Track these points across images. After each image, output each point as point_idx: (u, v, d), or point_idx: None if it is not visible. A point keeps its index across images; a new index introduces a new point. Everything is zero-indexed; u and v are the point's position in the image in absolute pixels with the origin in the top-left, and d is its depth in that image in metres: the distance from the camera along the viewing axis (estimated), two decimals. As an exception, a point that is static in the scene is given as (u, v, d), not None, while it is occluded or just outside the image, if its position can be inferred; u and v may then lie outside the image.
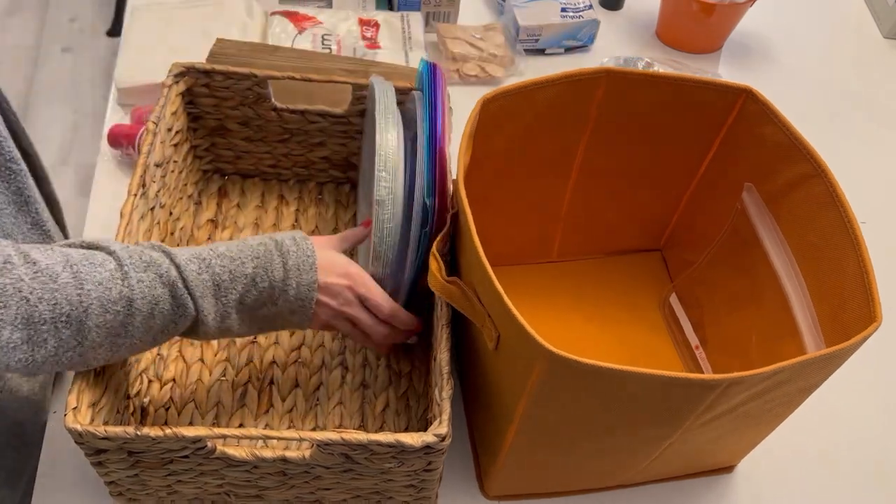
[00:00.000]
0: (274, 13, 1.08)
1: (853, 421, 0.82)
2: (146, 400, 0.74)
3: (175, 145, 0.81)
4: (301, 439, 0.56)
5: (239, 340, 0.79)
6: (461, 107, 0.91)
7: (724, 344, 0.79)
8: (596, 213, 0.84)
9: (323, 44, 1.04)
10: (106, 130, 0.93)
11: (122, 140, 0.90)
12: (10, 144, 0.65)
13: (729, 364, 0.77)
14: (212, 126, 0.87)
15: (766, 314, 0.71)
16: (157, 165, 0.75)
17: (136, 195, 0.69)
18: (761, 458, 0.76)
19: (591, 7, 1.15)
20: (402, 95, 0.78)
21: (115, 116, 0.97)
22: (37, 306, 0.51)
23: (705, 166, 0.79)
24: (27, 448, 0.74)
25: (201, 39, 0.94)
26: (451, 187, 0.68)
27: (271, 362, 0.78)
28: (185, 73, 0.81)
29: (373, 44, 1.06)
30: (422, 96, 0.71)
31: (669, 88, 0.71)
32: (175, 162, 0.81)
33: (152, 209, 0.74)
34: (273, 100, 0.84)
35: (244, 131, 0.87)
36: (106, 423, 0.60)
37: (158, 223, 0.76)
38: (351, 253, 0.87)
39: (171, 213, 0.80)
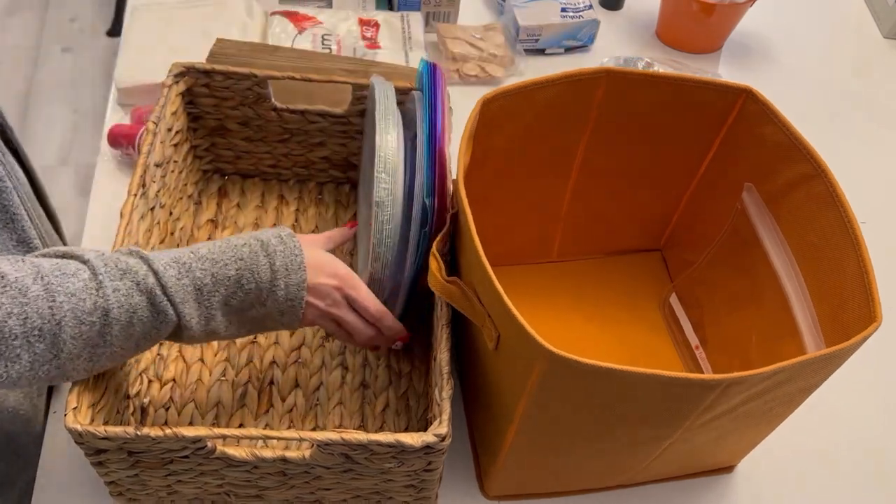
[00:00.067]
0: (274, 13, 1.08)
1: (853, 421, 0.82)
2: (146, 400, 0.74)
3: (175, 145, 0.81)
4: (301, 439, 0.56)
5: (239, 340, 0.79)
6: (461, 107, 0.91)
7: (724, 344, 0.79)
8: (596, 213, 0.84)
9: (323, 44, 1.04)
10: (106, 130, 0.93)
11: (122, 140, 0.90)
12: None
13: (729, 364, 0.77)
14: (212, 126, 0.87)
15: (766, 314, 0.71)
16: (157, 165, 0.75)
17: (136, 195, 0.69)
18: (761, 458, 0.76)
19: (591, 7, 1.15)
20: (402, 95, 0.78)
21: (115, 116, 0.97)
22: (6, 321, 0.50)
23: (705, 166, 0.79)
24: (20, 459, 0.73)
25: (201, 39, 0.94)
26: (450, 187, 0.68)
27: (271, 362, 0.78)
28: (185, 73, 0.81)
29: (373, 44, 1.06)
30: (422, 96, 0.71)
31: (669, 88, 0.71)
32: (175, 162, 0.81)
33: (152, 209, 0.74)
34: (273, 100, 0.84)
35: (244, 131, 0.87)
36: (106, 423, 0.59)
37: (158, 223, 0.76)
38: (351, 252, 0.87)
39: (171, 213, 0.80)
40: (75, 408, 0.57)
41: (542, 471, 0.68)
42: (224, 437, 0.56)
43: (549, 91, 0.69)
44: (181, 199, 0.84)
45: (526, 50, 1.14)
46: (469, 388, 0.76)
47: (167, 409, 0.74)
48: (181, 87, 0.81)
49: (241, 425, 0.73)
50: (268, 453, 0.58)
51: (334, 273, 0.65)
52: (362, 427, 0.74)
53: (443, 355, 0.62)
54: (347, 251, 0.87)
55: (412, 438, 0.56)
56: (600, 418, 0.57)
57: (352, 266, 0.86)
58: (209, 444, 0.57)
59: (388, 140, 0.68)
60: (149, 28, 1.03)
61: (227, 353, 0.78)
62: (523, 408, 0.57)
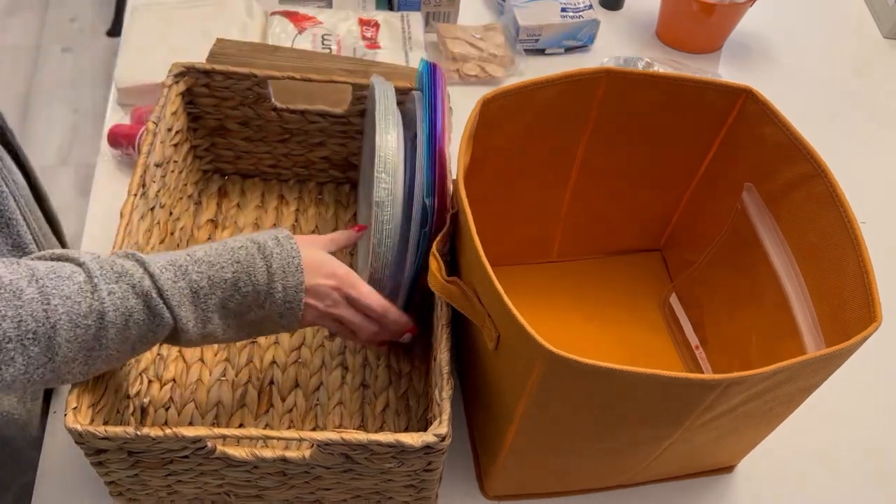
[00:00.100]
0: (274, 13, 1.08)
1: (853, 421, 0.82)
2: (146, 400, 0.74)
3: (175, 145, 0.81)
4: (301, 439, 0.56)
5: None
6: (461, 107, 0.91)
7: (724, 344, 0.79)
8: (596, 213, 0.84)
9: (323, 44, 1.04)
10: (106, 130, 0.93)
11: (122, 140, 0.90)
12: None
13: (729, 364, 0.77)
14: (212, 126, 0.87)
15: (766, 314, 0.71)
16: (157, 165, 0.75)
17: (136, 195, 0.69)
18: (761, 458, 0.76)
19: (591, 7, 1.15)
20: (402, 95, 0.78)
21: (115, 116, 0.97)
22: (0, 324, 0.49)
23: (705, 166, 0.79)
24: (15, 463, 0.73)
25: (201, 39, 0.94)
26: (450, 187, 0.68)
27: (271, 362, 0.78)
28: (185, 73, 0.81)
29: (373, 44, 1.06)
30: (422, 96, 0.71)
31: (669, 88, 0.71)
32: (175, 162, 0.81)
33: (152, 209, 0.74)
34: (273, 100, 0.84)
35: (244, 131, 0.87)
36: (106, 423, 0.59)
37: (158, 223, 0.76)
38: (351, 252, 0.87)
39: (171, 213, 0.80)
40: (75, 408, 0.57)
41: (542, 471, 0.68)
42: (224, 437, 0.56)
43: (549, 91, 0.69)
44: (181, 199, 0.84)
45: (526, 50, 1.14)
46: (469, 388, 0.76)
47: (167, 409, 0.74)
48: (181, 87, 0.81)
49: (241, 425, 0.73)
50: (268, 453, 0.58)
51: (332, 273, 0.64)
52: (362, 427, 0.74)
53: (443, 355, 0.62)
54: (347, 251, 0.87)
55: (412, 438, 0.56)
56: (600, 418, 0.57)
57: (352, 266, 0.86)
58: (209, 444, 0.57)
59: (389, 140, 0.68)
60: (149, 28, 1.03)
61: (227, 353, 0.78)
62: (523, 408, 0.57)
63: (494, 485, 0.71)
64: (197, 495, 0.66)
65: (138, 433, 0.55)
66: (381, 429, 0.74)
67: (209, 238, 0.87)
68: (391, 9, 1.14)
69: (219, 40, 0.93)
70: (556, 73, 0.68)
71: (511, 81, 0.80)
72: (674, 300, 0.86)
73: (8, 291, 0.50)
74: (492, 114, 0.68)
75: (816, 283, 0.65)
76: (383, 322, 0.68)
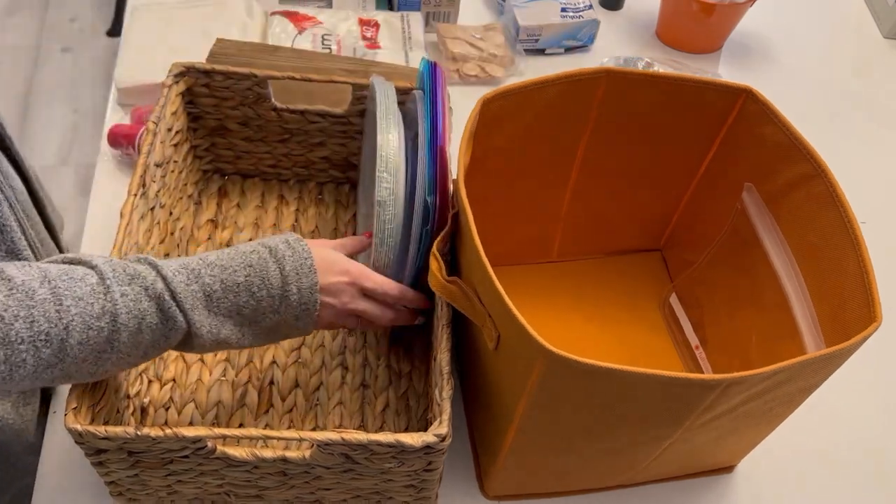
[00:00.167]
0: (274, 13, 1.08)
1: (853, 421, 0.82)
2: (146, 400, 0.74)
3: (175, 145, 0.81)
4: (301, 439, 0.56)
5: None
6: (461, 107, 0.91)
7: (724, 344, 0.79)
8: (596, 213, 0.84)
9: (323, 44, 1.04)
10: (106, 130, 0.93)
11: (122, 140, 0.90)
12: None
13: (729, 364, 0.77)
14: (212, 126, 0.87)
15: (766, 314, 0.71)
16: (157, 165, 0.75)
17: (136, 195, 0.69)
18: (761, 458, 0.76)
19: (591, 7, 1.15)
20: (403, 95, 0.78)
21: (115, 116, 0.97)
22: (12, 324, 0.49)
23: (705, 166, 0.79)
24: (11, 468, 0.72)
25: (201, 39, 0.94)
26: (451, 186, 0.68)
27: (271, 362, 0.78)
28: (185, 73, 0.81)
29: (373, 44, 1.06)
30: (423, 95, 0.71)
31: (669, 88, 0.71)
32: (175, 162, 0.81)
33: (152, 209, 0.74)
34: (273, 100, 0.84)
35: (244, 131, 0.87)
36: (106, 423, 0.59)
37: (158, 223, 0.76)
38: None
39: (171, 213, 0.80)
40: (75, 408, 0.57)
41: (542, 471, 0.68)
42: (224, 437, 0.56)
43: (549, 91, 0.69)
44: (181, 199, 0.84)
45: (526, 50, 1.14)
46: (469, 388, 0.76)
47: (167, 409, 0.74)
48: (181, 87, 0.81)
49: (241, 425, 0.73)
50: (268, 453, 0.58)
51: (345, 270, 0.65)
52: (362, 427, 0.74)
53: (443, 355, 0.62)
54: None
55: (412, 438, 0.56)
56: (600, 418, 0.57)
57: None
58: (209, 444, 0.57)
59: (390, 139, 0.68)
60: (149, 28, 1.03)
61: (226, 353, 0.78)
62: (523, 408, 0.57)
63: (494, 485, 0.71)
64: (197, 495, 0.66)
65: (138, 433, 0.55)
66: (381, 429, 0.74)
67: (209, 238, 0.87)
68: (391, 9, 1.14)
69: (219, 40, 0.93)
70: (556, 73, 0.68)
71: (511, 81, 0.80)
72: (674, 300, 0.86)
73: (20, 292, 0.50)
74: (492, 114, 0.68)
75: (816, 283, 0.65)
76: (402, 304, 0.69)
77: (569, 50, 1.16)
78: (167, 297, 0.56)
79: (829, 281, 0.63)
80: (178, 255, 0.82)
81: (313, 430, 0.74)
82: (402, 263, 0.69)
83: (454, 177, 0.64)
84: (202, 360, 0.77)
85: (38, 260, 0.71)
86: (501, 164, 0.74)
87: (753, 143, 0.72)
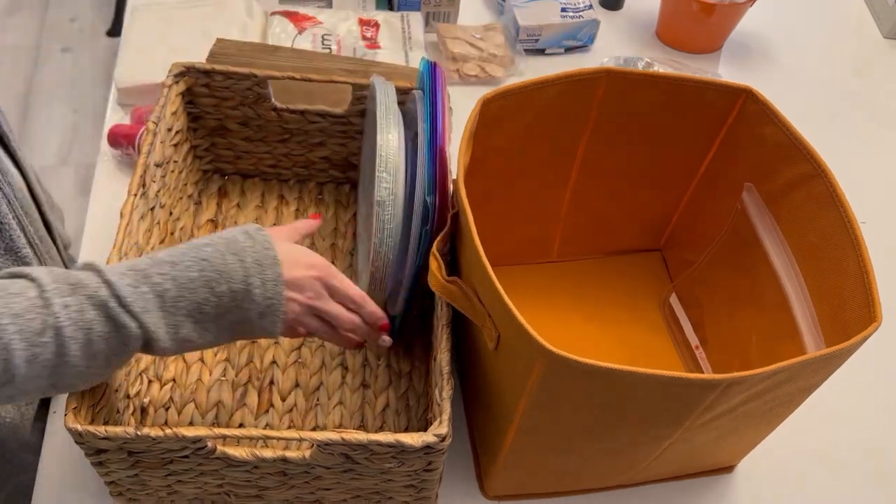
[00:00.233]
0: (274, 13, 1.08)
1: (853, 421, 0.82)
2: (146, 400, 0.74)
3: (175, 145, 0.81)
4: (301, 439, 0.56)
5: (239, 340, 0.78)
6: (461, 107, 0.91)
7: (724, 344, 0.79)
8: (596, 213, 0.84)
9: (323, 44, 1.04)
10: (106, 130, 0.93)
11: (122, 140, 0.90)
12: None
13: (729, 364, 0.77)
14: (212, 126, 0.87)
15: (766, 314, 0.71)
16: (157, 165, 0.75)
17: (136, 195, 0.69)
18: (761, 458, 0.76)
19: (591, 7, 1.15)
20: (403, 95, 0.78)
21: (115, 116, 0.97)
22: None
23: (705, 166, 0.79)
24: (7, 465, 0.72)
25: (201, 39, 0.94)
26: (451, 186, 0.68)
27: (271, 362, 0.78)
28: (185, 73, 0.81)
29: (373, 44, 1.06)
30: (423, 95, 0.71)
31: (669, 88, 0.71)
32: (175, 162, 0.81)
33: (152, 209, 0.74)
34: (273, 100, 0.84)
35: (244, 131, 0.87)
36: (106, 423, 0.59)
37: (158, 223, 0.76)
38: (351, 252, 0.87)
39: (171, 213, 0.80)
40: (75, 408, 0.57)
41: (542, 471, 0.68)
42: (224, 437, 0.56)
43: (549, 91, 0.69)
44: (181, 199, 0.84)
45: (526, 50, 1.14)
46: (469, 388, 0.76)
47: (167, 409, 0.74)
48: (181, 87, 0.81)
49: (241, 425, 0.73)
50: (268, 453, 0.58)
51: (312, 264, 0.61)
52: (362, 427, 0.74)
53: (443, 355, 0.62)
54: (348, 251, 0.87)
55: (412, 438, 0.56)
56: (600, 418, 0.57)
57: (352, 266, 0.86)
58: (209, 444, 0.57)
59: (390, 139, 0.68)
60: (149, 28, 1.03)
61: (227, 353, 0.78)
62: (523, 408, 0.57)
63: (494, 485, 0.71)
64: (197, 495, 0.66)
65: (138, 433, 0.55)
66: (381, 429, 0.74)
67: (209, 238, 0.87)
68: (391, 9, 1.14)
69: (219, 40, 0.93)
70: (556, 73, 0.68)
71: (511, 81, 0.80)
72: (674, 300, 0.86)
73: None
74: (492, 114, 0.68)
75: (816, 283, 0.65)
76: (361, 313, 0.65)
77: (569, 50, 1.16)
78: (113, 304, 0.52)
79: (829, 281, 0.63)
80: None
81: (313, 430, 0.74)
82: (401, 263, 0.69)
83: (454, 177, 0.64)
84: (202, 360, 0.77)
85: (38, 256, 0.71)
86: (501, 164, 0.74)
87: (753, 143, 0.72)
